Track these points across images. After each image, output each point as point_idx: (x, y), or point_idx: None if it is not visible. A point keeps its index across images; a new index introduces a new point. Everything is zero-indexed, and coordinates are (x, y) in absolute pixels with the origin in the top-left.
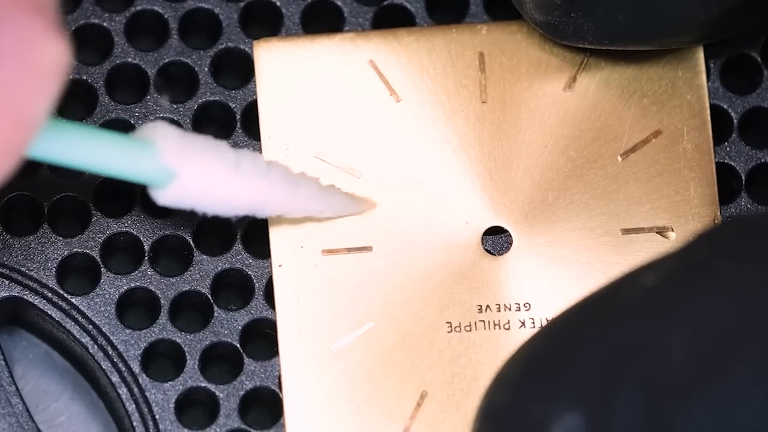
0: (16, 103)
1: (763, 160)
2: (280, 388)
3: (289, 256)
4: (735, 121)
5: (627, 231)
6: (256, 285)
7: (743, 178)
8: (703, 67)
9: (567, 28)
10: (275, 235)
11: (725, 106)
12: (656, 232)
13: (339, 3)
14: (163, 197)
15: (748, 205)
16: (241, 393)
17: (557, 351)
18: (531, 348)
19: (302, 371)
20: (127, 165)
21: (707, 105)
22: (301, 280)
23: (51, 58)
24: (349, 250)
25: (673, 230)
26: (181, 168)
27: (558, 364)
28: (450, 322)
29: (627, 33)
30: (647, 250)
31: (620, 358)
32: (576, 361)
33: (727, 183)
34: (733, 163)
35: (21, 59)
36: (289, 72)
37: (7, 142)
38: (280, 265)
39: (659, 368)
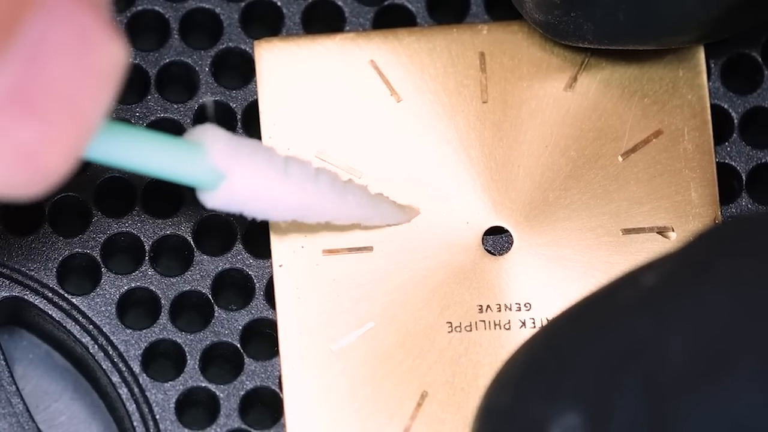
0: (77, 102)
1: (763, 160)
2: (280, 388)
3: (289, 256)
4: (735, 121)
5: (628, 231)
6: (257, 285)
7: (744, 178)
8: (703, 67)
9: (567, 27)
10: (276, 235)
11: (726, 106)
12: (657, 232)
13: (340, 3)
14: (212, 200)
15: (749, 205)
16: (242, 393)
17: (557, 351)
18: (531, 348)
19: (303, 371)
20: (177, 167)
21: (708, 105)
22: (301, 280)
23: (110, 58)
24: (350, 250)
25: (673, 230)
26: (230, 171)
27: (558, 363)
28: (450, 322)
29: (626, 32)
30: (648, 250)
31: (620, 357)
32: (576, 360)
33: (727, 183)
34: (733, 163)
35: (81, 58)
36: (290, 72)
37: (66, 141)
38: (280, 265)
39: (659, 367)
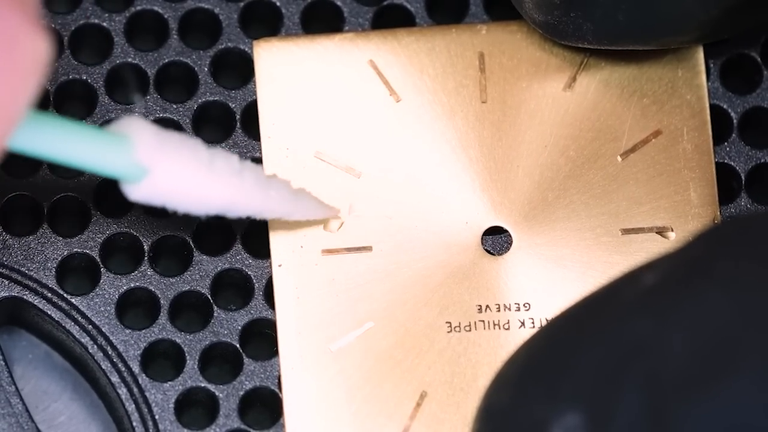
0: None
1: (762, 160)
2: (279, 388)
3: (288, 256)
4: (735, 121)
5: (627, 231)
6: (256, 285)
7: (743, 178)
8: (703, 67)
9: (566, 28)
10: (275, 234)
11: (725, 106)
12: (656, 232)
13: (339, 3)
14: (135, 193)
15: (748, 205)
16: (241, 393)
17: (557, 351)
18: (530, 348)
19: (302, 371)
20: (100, 159)
21: (707, 105)
22: (300, 280)
23: (33, 54)
24: (349, 250)
25: (672, 230)
26: (154, 165)
27: (558, 364)
28: (450, 322)
29: (626, 33)
30: (647, 250)
31: (621, 357)
32: (576, 361)
33: (726, 183)
34: (732, 163)
35: (3, 56)
36: (288, 72)
37: None
38: (279, 265)
39: (660, 367)
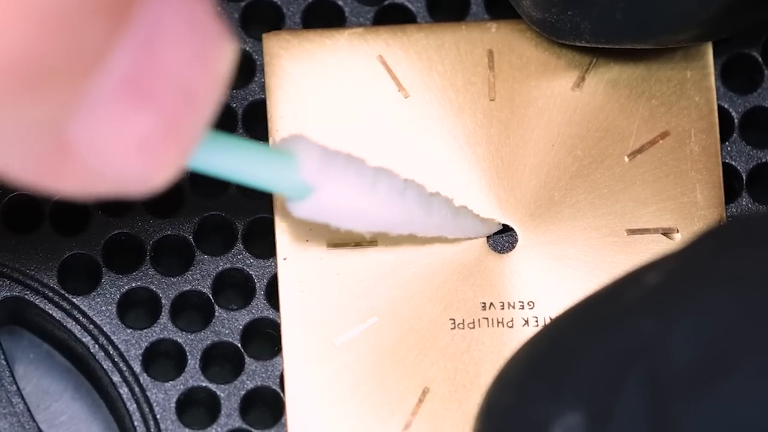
0: (191, 93)
1: (764, 160)
2: (281, 387)
3: (294, 250)
4: (736, 120)
5: (632, 231)
6: (257, 285)
7: (744, 177)
8: (711, 69)
9: (564, 26)
10: (281, 228)
11: (726, 106)
12: (661, 234)
13: (340, 2)
14: (299, 211)
15: (749, 205)
16: (242, 392)
17: (559, 351)
18: (532, 347)
19: (305, 365)
20: (268, 176)
21: (715, 107)
22: (305, 274)
23: (222, 51)
24: (355, 244)
25: (678, 232)
26: (319, 184)
27: (560, 363)
28: (453, 319)
29: (624, 31)
30: (652, 251)
31: (623, 357)
32: (578, 360)
33: (728, 183)
34: (734, 163)
35: (195, 48)
36: (297, 66)
37: (181, 132)
38: (285, 259)
39: (662, 367)
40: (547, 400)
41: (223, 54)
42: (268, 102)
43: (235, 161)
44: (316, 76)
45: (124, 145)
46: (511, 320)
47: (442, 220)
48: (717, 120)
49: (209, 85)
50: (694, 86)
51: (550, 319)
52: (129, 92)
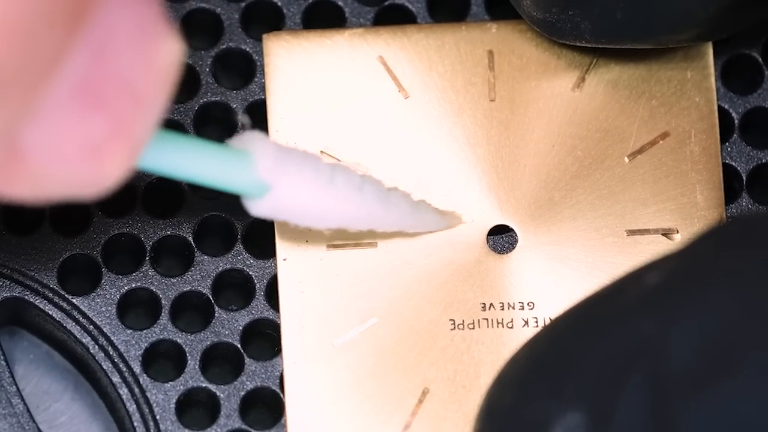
0: (140, 97)
1: (764, 161)
2: (281, 388)
3: (294, 250)
4: (736, 121)
5: (632, 232)
6: (257, 285)
7: (744, 178)
8: (712, 70)
9: (564, 26)
10: (280, 229)
11: (726, 107)
12: (661, 234)
13: (340, 3)
14: (257, 209)
15: (749, 206)
16: (242, 393)
17: (559, 351)
18: (533, 348)
19: (305, 365)
20: (222, 175)
21: (715, 108)
22: (305, 275)
23: (169, 54)
24: (355, 245)
25: (678, 232)
26: (276, 182)
27: (560, 363)
28: (453, 320)
29: (624, 31)
30: (652, 251)
31: (623, 357)
32: (578, 360)
33: (728, 183)
34: (734, 164)
35: (145, 52)
36: (298, 66)
37: (130, 136)
38: (284, 259)
39: (663, 367)
40: (548, 400)
41: (169, 54)
42: (267, 102)
43: (187, 160)
44: (316, 77)
45: (75, 150)
46: (511, 321)
47: (401, 215)
48: (717, 121)
49: (157, 85)
50: (694, 87)
51: (550, 319)
52: (81, 98)
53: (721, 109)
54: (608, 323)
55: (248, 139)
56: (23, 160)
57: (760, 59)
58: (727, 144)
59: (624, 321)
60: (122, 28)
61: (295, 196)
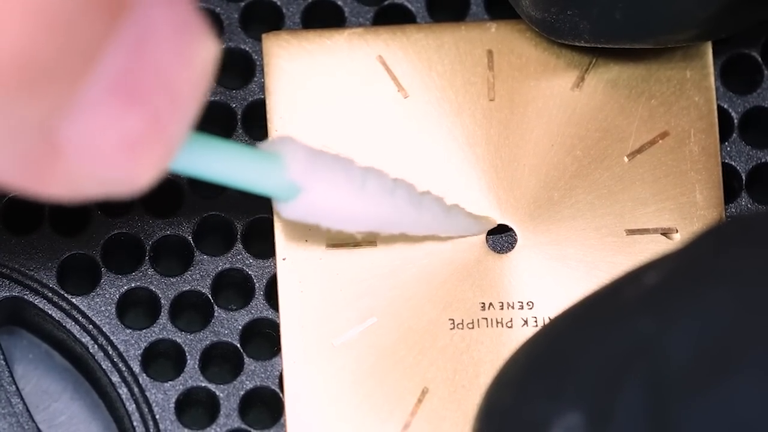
0: (177, 93)
1: (763, 160)
2: (280, 387)
3: (293, 250)
4: (735, 120)
5: (632, 232)
6: (257, 285)
7: (743, 178)
8: (711, 69)
9: (563, 26)
10: (280, 228)
11: (725, 106)
12: (661, 234)
13: (339, 3)
14: (288, 212)
15: (749, 205)
16: (242, 393)
17: (558, 350)
18: (531, 347)
19: (304, 365)
20: (254, 178)
21: (715, 107)
22: (305, 274)
23: (206, 51)
24: (354, 245)
25: (677, 232)
26: (307, 185)
27: (559, 363)
28: (453, 319)
29: (624, 31)
30: (651, 251)
31: (622, 357)
32: (577, 360)
33: (727, 183)
34: (733, 163)
35: (182, 48)
36: (297, 66)
37: (167, 132)
38: (284, 259)
39: (661, 367)
40: (547, 400)
41: (206, 53)
42: (267, 102)
43: (220, 163)
44: (315, 77)
45: (112, 146)
46: (511, 320)
47: (433, 219)
48: (716, 120)
49: (194, 84)
50: (693, 86)
51: (550, 319)
52: (119, 93)
53: (720, 109)
54: (607, 323)
55: (280, 142)
56: (59, 156)
57: (760, 59)
58: (726, 143)
59: (622, 321)
60: (160, 25)
61: (327, 199)
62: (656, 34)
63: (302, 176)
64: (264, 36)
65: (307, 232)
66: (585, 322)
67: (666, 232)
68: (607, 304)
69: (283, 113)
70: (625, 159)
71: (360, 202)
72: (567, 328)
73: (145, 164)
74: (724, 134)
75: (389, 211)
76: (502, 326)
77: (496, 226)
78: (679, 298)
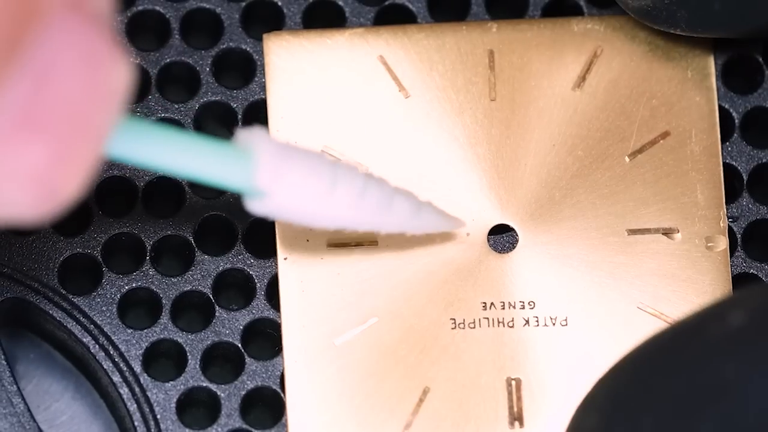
0: (85, 122)
1: (764, 160)
2: (281, 387)
3: (295, 249)
4: (737, 120)
5: (633, 231)
6: (258, 285)
7: (745, 178)
8: (712, 69)
9: (660, 14)
10: (281, 228)
11: (727, 106)
12: (662, 234)
13: (340, 3)
14: (255, 208)
15: (750, 205)
16: (243, 393)
17: (640, 381)
18: (618, 373)
19: (305, 364)
20: (221, 174)
21: (716, 107)
22: (306, 274)
23: (116, 76)
24: (355, 244)
25: (679, 232)
26: (275, 185)
27: (641, 395)
28: (454, 319)
29: (721, 21)
30: (653, 251)
31: (701, 398)
32: (658, 393)
33: (728, 183)
34: (734, 163)
35: (88, 77)
36: (298, 66)
37: (76, 161)
38: (285, 258)
39: (738, 411)
40: (626, 430)
41: (117, 79)
42: (268, 102)
43: (187, 158)
44: (316, 76)
45: (17, 177)
46: (512, 320)
47: (402, 220)
48: (717, 120)
49: (103, 112)
50: (694, 86)
51: (551, 318)
52: (22, 126)
53: (721, 109)
54: (689, 362)
55: (250, 137)
56: None
57: (761, 59)
58: (727, 143)
59: (704, 361)
60: (67, 53)
61: (294, 200)
62: (753, 24)
63: (270, 175)
64: (265, 36)
65: (308, 232)
66: (668, 356)
67: (667, 232)
68: (690, 341)
69: (283, 113)
70: (627, 159)
71: (328, 204)
72: (651, 358)
73: (55, 191)
74: (726, 134)
75: (357, 214)
76: (504, 326)
77: (464, 224)
78: (762, 345)
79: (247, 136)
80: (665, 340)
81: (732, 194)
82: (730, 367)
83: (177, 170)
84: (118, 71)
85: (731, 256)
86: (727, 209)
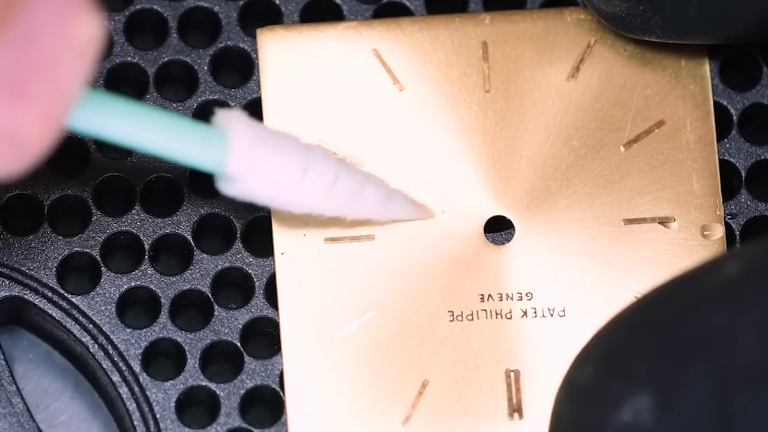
0: (58, 80)
1: (762, 157)
2: (281, 386)
3: (291, 244)
4: (735, 117)
5: (629, 221)
6: (257, 283)
7: (743, 174)
8: (706, 58)
9: (634, 21)
10: (278, 222)
11: (725, 103)
12: (658, 223)
13: (338, 0)
14: (227, 189)
15: (748, 202)
16: (242, 392)
17: (636, 332)
18: (614, 325)
19: (304, 359)
20: (193, 153)
21: (710, 96)
22: (303, 268)
23: (87, 32)
24: (352, 238)
25: (675, 220)
26: (246, 172)
27: (635, 345)
28: (452, 311)
29: (696, 27)
30: (649, 240)
31: (694, 346)
32: (652, 345)
33: (727, 180)
34: (732, 160)
35: (62, 36)
36: (292, 60)
37: (48, 118)
38: (282, 253)
39: (730, 359)
40: (620, 381)
41: (87, 35)
42: (262, 96)
43: (159, 134)
44: (310, 70)
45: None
46: (510, 311)
47: (373, 205)
48: (712, 108)
49: (75, 69)
50: (689, 75)
51: (548, 309)
52: (6, 89)
53: (719, 106)
54: (683, 310)
55: (227, 118)
56: None
57: (759, 56)
58: (725, 140)
59: (697, 310)
60: (43, 17)
61: (265, 185)
62: (729, 30)
63: (243, 160)
64: (258, 31)
65: (305, 227)
66: (663, 307)
67: (663, 221)
68: (686, 291)
69: (278, 107)
70: (622, 149)
71: (298, 192)
72: (646, 310)
73: (26, 148)
74: (724, 131)
75: (327, 201)
76: (502, 317)
77: (434, 216)
78: (756, 292)
79: (224, 116)
80: (661, 293)
81: (730, 191)
82: (720, 315)
83: (147, 146)
84: (89, 26)
85: None
86: (725, 206)
